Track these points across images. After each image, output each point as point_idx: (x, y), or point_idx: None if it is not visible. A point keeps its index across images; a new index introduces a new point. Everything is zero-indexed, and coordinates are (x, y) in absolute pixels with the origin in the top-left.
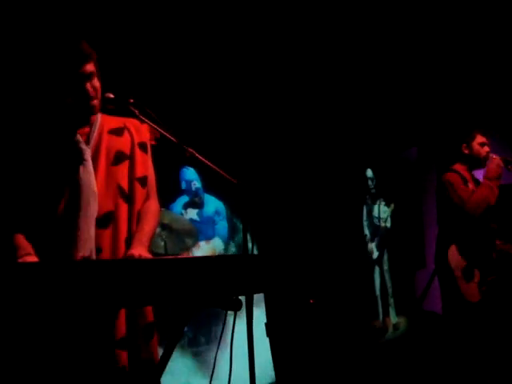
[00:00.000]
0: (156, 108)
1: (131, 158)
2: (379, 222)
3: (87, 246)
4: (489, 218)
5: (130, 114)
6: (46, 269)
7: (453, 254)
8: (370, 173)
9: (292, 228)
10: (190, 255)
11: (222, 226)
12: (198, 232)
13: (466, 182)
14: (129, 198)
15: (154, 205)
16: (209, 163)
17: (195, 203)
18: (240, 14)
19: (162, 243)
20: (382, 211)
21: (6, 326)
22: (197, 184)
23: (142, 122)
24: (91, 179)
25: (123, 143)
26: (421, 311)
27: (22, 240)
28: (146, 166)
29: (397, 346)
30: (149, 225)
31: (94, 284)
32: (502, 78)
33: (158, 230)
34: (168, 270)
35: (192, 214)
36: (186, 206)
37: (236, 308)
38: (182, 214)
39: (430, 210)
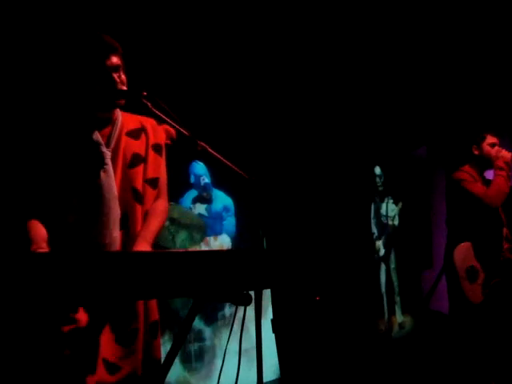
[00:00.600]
0: (169, 101)
1: (145, 160)
2: (387, 220)
3: (111, 249)
4: (500, 219)
5: (146, 112)
6: (57, 259)
7: (459, 253)
8: (378, 170)
9: (300, 224)
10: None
11: (230, 222)
12: (206, 227)
13: (476, 181)
14: (141, 199)
15: (162, 204)
16: (220, 157)
17: (204, 198)
18: (255, 12)
19: (171, 237)
20: (390, 209)
21: (15, 317)
22: (206, 179)
23: (160, 122)
24: (112, 184)
25: (139, 146)
26: (427, 310)
27: (36, 234)
28: (158, 168)
29: (402, 345)
30: (155, 223)
31: (104, 276)
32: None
33: (167, 223)
34: (178, 263)
35: (200, 209)
36: (195, 201)
37: (246, 303)
38: (190, 209)
39: (439, 210)
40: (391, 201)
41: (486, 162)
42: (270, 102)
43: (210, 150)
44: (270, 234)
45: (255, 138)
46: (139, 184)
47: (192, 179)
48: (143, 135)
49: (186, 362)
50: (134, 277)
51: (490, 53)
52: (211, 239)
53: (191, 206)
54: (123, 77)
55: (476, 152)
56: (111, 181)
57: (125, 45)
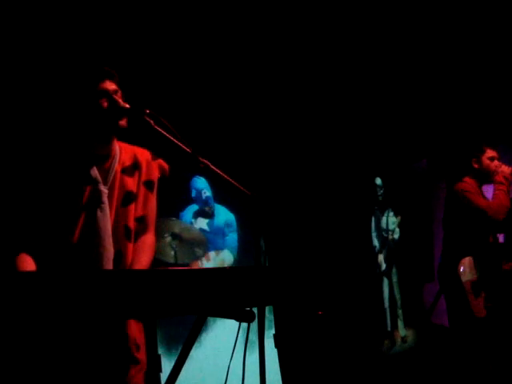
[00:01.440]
0: (171, 119)
1: (136, 197)
2: (387, 233)
3: None
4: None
5: (148, 131)
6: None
7: (463, 267)
8: (379, 181)
9: (302, 239)
10: (200, 265)
11: (232, 238)
12: (207, 242)
13: (478, 194)
14: (132, 236)
15: (150, 238)
16: (222, 174)
17: (205, 213)
18: (257, 21)
19: (173, 252)
20: (391, 222)
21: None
22: (207, 193)
23: (155, 157)
24: (107, 222)
25: (133, 183)
26: (429, 324)
27: (24, 268)
28: (147, 204)
29: (405, 359)
30: (146, 259)
31: (103, 294)
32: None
33: (169, 239)
34: (181, 280)
35: (202, 223)
36: (196, 215)
37: (249, 319)
38: (191, 223)
39: (440, 222)
40: (391, 213)
41: (485, 176)
42: (270, 115)
43: (212, 167)
44: (272, 250)
45: (256, 151)
46: (131, 222)
47: (193, 193)
48: (137, 172)
49: None
50: (137, 295)
51: (489, 64)
52: (213, 254)
53: (192, 220)
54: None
55: (475, 165)
56: (107, 219)
57: (127, 63)
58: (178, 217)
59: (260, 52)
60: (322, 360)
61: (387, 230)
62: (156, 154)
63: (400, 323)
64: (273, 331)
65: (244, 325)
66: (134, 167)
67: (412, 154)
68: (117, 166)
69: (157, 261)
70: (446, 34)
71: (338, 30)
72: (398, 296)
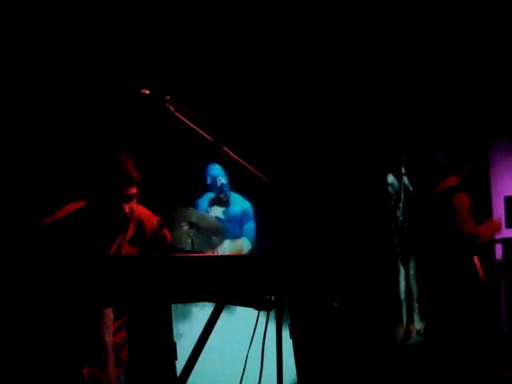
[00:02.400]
0: (192, 106)
1: None
2: (404, 224)
3: None
4: None
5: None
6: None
7: (478, 263)
8: (390, 178)
9: (320, 230)
10: (215, 253)
11: (250, 226)
12: (224, 230)
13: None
14: None
15: None
16: (242, 162)
17: (221, 200)
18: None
19: (190, 241)
20: (407, 215)
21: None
22: (222, 180)
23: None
24: None
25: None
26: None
27: None
28: None
29: (419, 352)
30: None
31: (126, 280)
32: None
33: (186, 228)
34: (200, 267)
35: (218, 211)
36: (212, 203)
37: (268, 308)
38: (207, 211)
39: None
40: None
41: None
42: (288, 111)
43: (232, 154)
44: (290, 239)
45: (274, 145)
46: None
47: (208, 181)
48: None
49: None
50: (158, 281)
51: (504, 58)
52: (228, 242)
53: (208, 208)
54: (134, 206)
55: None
56: None
57: (149, 48)
58: (194, 204)
59: (279, 44)
60: (337, 351)
61: (404, 222)
62: (176, 143)
63: (416, 316)
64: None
65: (263, 314)
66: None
67: (431, 148)
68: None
69: (174, 249)
70: (461, 33)
71: (348, 24)
72: (414, 289)
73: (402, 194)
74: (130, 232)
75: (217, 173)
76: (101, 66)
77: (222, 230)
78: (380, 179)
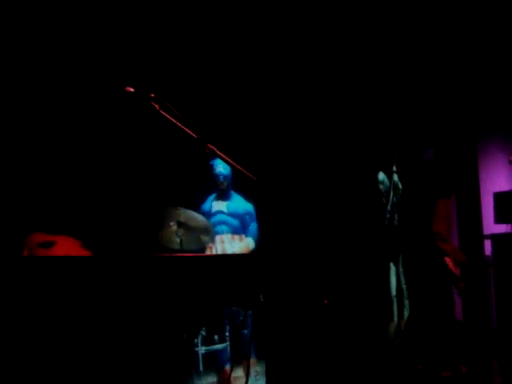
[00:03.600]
0: (177, 103)
1: None
2: (394, 222)
3: None
4: None
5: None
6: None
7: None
8: (381, 176)
9: (309, 227)
10: (215, 250)
11: (253, 227)
12: (213, 229)
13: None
14: None
15: None
16: (229, 160)
17: (222, 193)
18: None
19: (178, 240)
20: (396, 212)
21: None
22: (221, 168)
23: None
24: None
25: None
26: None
27: None
28: None
29: (409, 349)
30: None
31: (109, 277)
32: None
33: (175, 227)
34: (184, 267)
35: (221, 205)
36: (215, 198)
37: (255, 308)
38: (211, 207)
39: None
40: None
41: None
42: (278, 107)
43: (218, 152)
44: (279, 238)
45: (262, 142)
46: None
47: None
48: None
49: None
50: (154, 281)
51: (492, 53)
52: (237, 238)
53: (212, 203)
54: None
55: None
56: None
57: (134, 47)
58: (199, 209)
59: (268, 39)
60: (328, 348)
61: (394, 219)
62: (160, 139)
63: (406, 312)
64: None
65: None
66: None
67: (419, 145)
68: None
69: (163, 248)
70: (453, 27)
71: (343, 21)
72: (404, 286)
73: (392, 192)
74: None
75: (218, 161)
76: (86, 64)
77: (211, 230)
78: (371, 177)
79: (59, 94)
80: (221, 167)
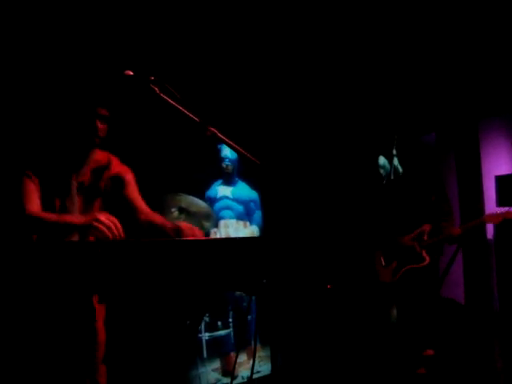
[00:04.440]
0: (178, 86)
1: (104, 194)
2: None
3: None
4: None
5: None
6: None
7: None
8: (382, 160)
9: (312, 213)
10: (218, 234)
11: (258, 214)
12: (214, 215)
13: None
14: None
15: None
16: (230, 143)
17: (227, 178)
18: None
19: None
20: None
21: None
22: (227, 152)
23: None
24: (74, 210)
25: (100, 182)
26: (438, 298)
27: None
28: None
29: (412, 332)
30: None
31: (111, 264)
32: None
33: (176, 213)
34: (186, 251)
35: (226, 191)
36: (221, 184)
37: (258, 293)
38: (216, 192)
39: (449, 195)
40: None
41: None
42: (279, 91)
43: (219, 135)
44: (282, 222)
45: (264, 126)
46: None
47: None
48: (106, 171)
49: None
50: (152, 265)
51: (493, 37)
52: (241, 224)
53: (217, 188)
54: (105, 127)
55: None
56: (74, 208)
57: (134, 29)
58: (203, 196)
59: (263, 26)
60: (331, 334)
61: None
62: (163, 122)
63: None
64: None
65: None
66: (103, 167)
67: (420, 128)
68: (89, 165)
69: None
70: (452, 8)
71: (334, 8)
72: None
73: (392, 176)
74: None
75: (224, 145)
76: (84, 49)
77: (213, 215)
78: (371, 161)
79: (56, 77)
80: (227, 150)
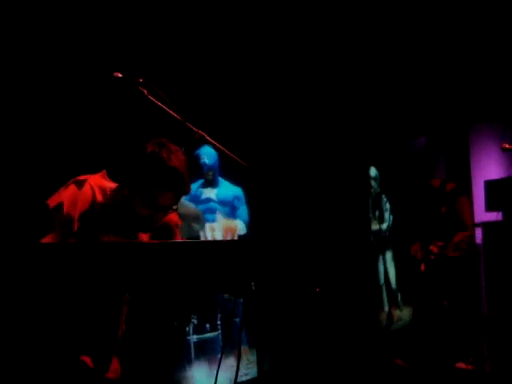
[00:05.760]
0: (166, 89)
1: None
2: (383, 217)
3: None
4: None
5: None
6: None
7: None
8: (373, 171)
9: (299, 216)
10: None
11: (243, 210)
12: (204, 217)
13: None
14: None
15: None
16: (219, 146)
17: (209, 181)
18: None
19: None
20: (384, 208)
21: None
22: (205, 159)
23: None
24: None
25: None
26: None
27: None
28: None
29: (402, 336)
30: None
31: (104, 267)
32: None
33: None
34: (174, 254)
35: (210, 193)
36: (203, 186)
37: (246, 295)
38: (200, 193)
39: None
40: (385, 199)
41: None
42: (268, 94)
43: (207, 137)
44: (270, 225)
45: (252, 129)
46: None
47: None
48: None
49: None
50: (136, 268)
51: (484, 41)
52: (222, 218)
53: (200, 190)
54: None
55: None
56: None
57: (124, 31)
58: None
59: (255, 26)
60: (320, 337)
61: (383, 210)
62: (150, 126)
63: (396, 301)
64: None
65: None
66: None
67: (410, 132)
68: None
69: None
70: (442, 15)
71: (328, 11)
72: (392, 273)
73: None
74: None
75: (202, 151)
76: (73, 49)
77: (202, 217)
78: (360, 168)
79: (45, 78)
80: (205, 158)
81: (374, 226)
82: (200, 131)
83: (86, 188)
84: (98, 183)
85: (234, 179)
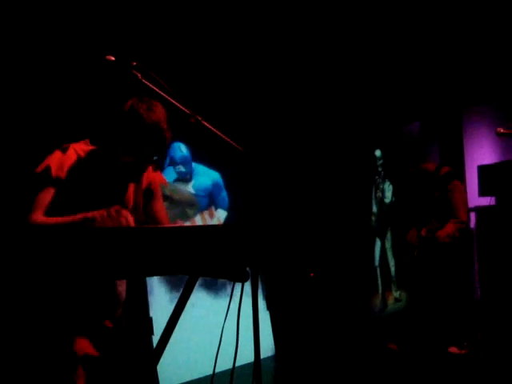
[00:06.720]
0: (161, 72)
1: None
2: (384, 198)
3: None
4: None
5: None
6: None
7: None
8: (378, 153)
9: (295, 201)
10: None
11: (223, 196)
12: (198, 203)
13: None
14: None
15: None
16: (215, 130)
17: (181, 174)
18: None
19: None
20: (387, 189)
21: None
22: (182, 168)
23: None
24: None
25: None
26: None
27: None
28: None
29: (396, 320)
30: None
31: (98, 252)
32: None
33: None
34: (172, 238)
35: (187, 186)
36: (177, 180)
37: (243, 279)
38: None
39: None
40: (388, 182)
41: None
42: (268, 82)
43: (203, 122)
44: (265, 209)
45: (253, 116)
46: None
47: (167, 161)
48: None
49: None
50: (132, 253)
51: (477, 27)
52: (207, 214)
53: (175, 183)
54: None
55: None
56: None
57: (118, 14)
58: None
59: (255, 15)
60: (314, 322)
61: (384, 195)
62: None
63: (393, 285)
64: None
65: (238, 285)
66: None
67: (405, 118)
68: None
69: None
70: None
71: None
72: (392, 262)
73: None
74: (143, 185)
75: (177, 159)
76: (66, 33)
77: (196, 202)
78: (364, 152)
79: (39, 62)
80: (181, 168)
81: (375, 208)
82: (196, 115)
83: (71, 152)
84: (82, 148)
85: (208, 163)
